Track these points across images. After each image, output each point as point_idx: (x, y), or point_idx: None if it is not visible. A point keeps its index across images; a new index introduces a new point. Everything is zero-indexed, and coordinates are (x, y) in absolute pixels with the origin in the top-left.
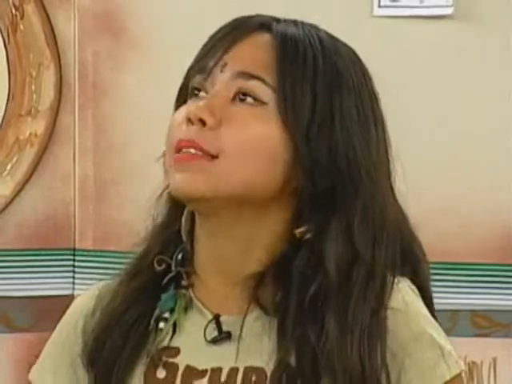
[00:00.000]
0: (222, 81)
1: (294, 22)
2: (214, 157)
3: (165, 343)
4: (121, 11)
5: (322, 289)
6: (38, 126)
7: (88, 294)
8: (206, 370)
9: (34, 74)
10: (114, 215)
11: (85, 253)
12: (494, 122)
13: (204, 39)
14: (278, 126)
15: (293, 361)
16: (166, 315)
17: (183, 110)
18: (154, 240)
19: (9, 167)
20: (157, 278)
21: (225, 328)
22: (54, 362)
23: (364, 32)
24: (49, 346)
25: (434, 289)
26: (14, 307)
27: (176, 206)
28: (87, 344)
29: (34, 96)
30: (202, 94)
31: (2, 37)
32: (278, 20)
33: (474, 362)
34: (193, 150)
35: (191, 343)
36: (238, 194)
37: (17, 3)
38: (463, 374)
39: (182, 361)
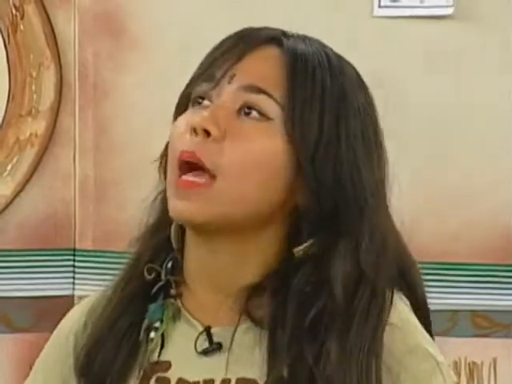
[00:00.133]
0: (229, 92)
1: (303, 38)
2: (211, 176)
3: (155, 357)
4: (121, 11)
5: (325, 309)
6: (39, 127)
7: (81, 307)
8: (198, 382)
9: (34, 74)
10: (114, 215)
11: (85, 253)
12: (494, 122)
13: (204, 40)
14: (283, 142)
15: (286, 374)
16: (157, 325)
17: (185, 118)
18: (146, 244)
19: (9, 167)
20: (147, 286)
21: (215, 339)
22: (44, 378)
23: (364, 32)
24: (39, 363)
25: (434, 289)
26: (14, 307)
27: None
28: (78, 359)
29: (35, 96)
30: (205, 102)
31: (3, 37)
32: (286, 34)
33: (474, 363)
34: (191, 178)
35: (181, 355)
36: (239, 213)
37: (17, 3)
38: None
39: (173, 374)
